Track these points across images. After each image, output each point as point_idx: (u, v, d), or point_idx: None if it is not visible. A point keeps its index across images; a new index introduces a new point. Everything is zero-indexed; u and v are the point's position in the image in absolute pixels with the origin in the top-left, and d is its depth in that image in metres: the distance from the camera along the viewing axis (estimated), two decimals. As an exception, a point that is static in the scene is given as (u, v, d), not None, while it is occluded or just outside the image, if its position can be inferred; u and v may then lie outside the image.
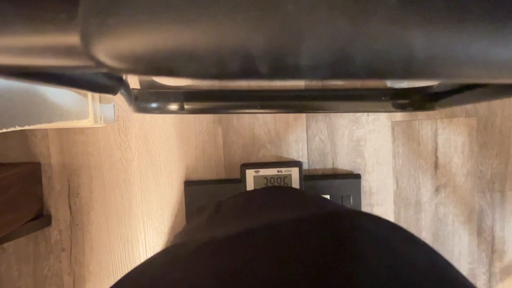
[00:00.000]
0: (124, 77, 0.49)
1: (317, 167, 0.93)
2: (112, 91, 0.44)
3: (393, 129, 0.93)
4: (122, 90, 0.51)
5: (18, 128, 0.55)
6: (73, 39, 0.24)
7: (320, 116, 0.92)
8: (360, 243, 0.31)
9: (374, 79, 0.26)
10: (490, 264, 0.97)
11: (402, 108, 0.88)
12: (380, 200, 0.94)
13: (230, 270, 0.29)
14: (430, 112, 0.92)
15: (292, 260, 0.29)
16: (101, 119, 0.81)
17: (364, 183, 0.93)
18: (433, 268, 0.31)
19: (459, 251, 0.95)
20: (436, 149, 0.93)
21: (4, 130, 0.51)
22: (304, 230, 0.34)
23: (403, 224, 0.94)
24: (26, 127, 0.56)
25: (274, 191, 0.72)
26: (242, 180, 0.90)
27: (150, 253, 0.94)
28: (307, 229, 0.34)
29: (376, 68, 0.26)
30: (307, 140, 0.92)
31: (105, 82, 0.42)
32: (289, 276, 0.27)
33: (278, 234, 0.34)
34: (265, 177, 0.90)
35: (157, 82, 0.89)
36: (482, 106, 0.92)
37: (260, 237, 0.33)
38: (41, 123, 0.61)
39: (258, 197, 0.64)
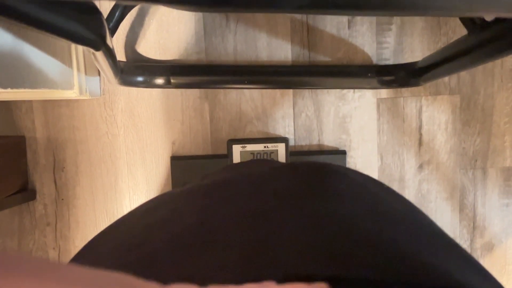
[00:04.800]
0: (107, 36, 0.49)
1: (303, 143, 0.94)
2: (94, 46, 0.44)
3: (378, 106, 0.94)
4: (106, 51, 0.51)
5: (0, 90, 0.55)
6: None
7: (306, 93, 0.92)
8: (340, 184, 0.32)
9: (354, 12, 0.27)
10: (472, 240, 0.99)
11: (387, 84, 0.89)
12: (365, 176, 0.95)
13: (213, 205, 0.30)
14: (415, 90, 0.93)
15: (273, 195, 0.30)
16: (86, 91, 0.81)
17: (349, 159, 0.95)
18: (407, 212, 0.32)
19: (441, 227, 0.97)
20: (420, 126, 0.95)
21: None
22: (287, 173, 0.34)
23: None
24: (9, 90, 0.56)
25: (260, 161, 0.73)
26: (228, 155, 0.91)
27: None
28: (289, 172, 0.34)
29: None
30: (294, 117, 0.93)
31: (86, 35, 0.42)
32: (267, 208, 0.28)
33: (259, 178, 0.34)
34: (252, 153, 0.91)
35: (143, 56, 0.89)
36: (466, 84, 0.94)
37: (242, 181, 0.34)
38: (24, 87, 0.60)
39: (243, 163, 0.65)
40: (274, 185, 0.32)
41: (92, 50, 0.45)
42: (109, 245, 0.29)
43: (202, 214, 0.29)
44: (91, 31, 0.42)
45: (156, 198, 0.37)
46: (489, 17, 0.52)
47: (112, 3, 0.68)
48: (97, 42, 0.44)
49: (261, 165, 0.60)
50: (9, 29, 0.58)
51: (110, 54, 0.56)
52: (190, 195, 0.34)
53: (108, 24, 0.67)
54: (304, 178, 0.33)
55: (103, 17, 0.46)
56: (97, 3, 0.45)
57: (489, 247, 0.99)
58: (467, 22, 0.56)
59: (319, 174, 0.34)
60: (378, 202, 0.31)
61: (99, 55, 0.50)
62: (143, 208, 0.35)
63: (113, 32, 0.68)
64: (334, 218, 0.26)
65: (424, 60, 0.80)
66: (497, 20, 0.51)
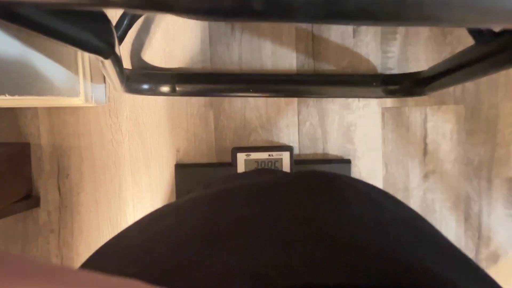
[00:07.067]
0: (115, 44, 0.50)
1: (308, 152, 0.94)
2: (103, 54, 0.44)
3: (383, 115, 0.94)
4: (114, 59, 0.51)
5: (8, 96, 0.55)
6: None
7: (311, 101, 0.92)
8: (345, 193, 0.32)
9: (366, 22, 0.27)
10: (477, 251, 0.98)
11: (392, 93, 0.89)
12: (369, 185, 0.95)
13: (218, 212, 0.29)
14: (420, 99, 0.93)
15: (280, 201, 0.30)
16: (92, 99, 0.81)
17: (354, 168, 0.94)
18: (411, 220, 0.32)
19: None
20: (425, 136, 0.94)
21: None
22: (293, 181, 0.34)
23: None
24: (17, 97, 0.56)
25: (264, 171, 0.73)
26: (233, 163, 0.90)
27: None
28: (296, 180, 0.34)
29: (368, 9, 0.27)
30: (298, 125, 0.93)
31: (97, 43, 0.42)
32: (273, 214, 0.28)
33: (265, 185, 0.34)
34: (256, 161, 0.91)
35: (149, 63, 0.89)
36: (470, 94, 0.94)
37: (248, 188, 0.34)
38: (31, 94, 0.60)
39: (247, 173, 0.65)
40: (281, 192, 0.32)
41: (101, 58, 0.45)
42: (115, 255, 0.29)
43: (206, 221, 0.28)
44: (101, 39, 0.43)
45: (161, 208, 0.37)
46: (497, 28, 0.52)
47: (120, 12, 0.68)
48: (107, 50, 0.45)
49: (265, 174, 0.60)
50: (16, 36, 0.58)
51: (117, 62, 0.56)
52: (194, 203, 0.34)
53: (116, 32, 0.67)
54: (311, 186, 0.33)
55: (113, 25, 0.46)
56: (106, 12, 0.45)
57: (495, 258, 0.98)
58: (474, 32, 0.56)
59: (325, 183, 0.34)
60: (382, 212, 0.31)
61: (108, 63, 0.50)
62: (148, 217, 0.35)
63: (121, 40, 0.68)
64: (340, 227, 0.26)
65: (429, 69, 0.80)
66: (505, 31, 0.51)
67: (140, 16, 0.69)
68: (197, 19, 0.28)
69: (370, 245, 0.24)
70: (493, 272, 0.98)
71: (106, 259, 0.29)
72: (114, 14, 0.78)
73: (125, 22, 0.67)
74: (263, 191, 0.33)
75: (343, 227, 0.26)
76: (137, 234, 0.32)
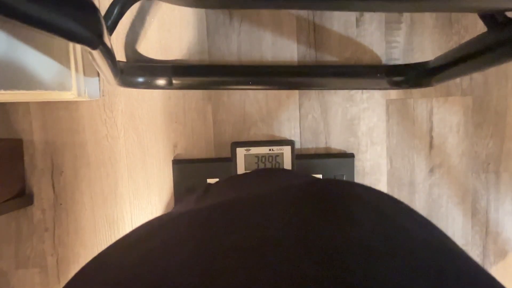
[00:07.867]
0: (104, 34, 0.46)
1: (310, 146, 0.91)
2: (90, 44, 0.41)
3: (387, 107, 0.90)
4: (103, 50, 0.48)
5: (-7, 91, 0.52)
6: None
7: (313, 94, 0.89)
8: (352, 208, 0.29)
9: (374, 7, 0.24)
10: (484, 246, 0.95)
11: (397, 85, 0.86)
12: (373, 180, 0.92)
13: (210, 238, 0.26)
14: (426, 91, 0.90)
15: (278, 223, 0.27)
16: (85, 93, 0.78)
17: (358, 162, 0.91)
18: (430, 238, 0.28)
19: (453, 232, 0.94)
20: (431, 129, 0.91)
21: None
22: (293, 196, 0.31)
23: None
24: (2, 91, 0.53)
25: (266, 172, 0.70)
26: (232, 158, 0.88)
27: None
28: (296, 195, 0.31)
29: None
30: (300, 118, 0.90)
31: (82, 32, 0.39)
32: (276, 238, 0.25)
33: (265, 201, 0.31)
34: (256, 156, 0.88)
35: (144, 56, 0.86)
36: (478, 85, 0.90)
37: (245, 205, 0.31)
38: (19, 89, 0.57)
39: (248, 177, 0.62)
40: (281, 210, 0.29)
41: (88, 49, 0.42)
42: (99, 279, 0.26)
43: (197, 249, 0.25)
44: (87, 28, 0.39)
45: (150, 224, 0.34)
46: (512, 13, 0.49)
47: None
48: (94, 40, 0.41)
49: (267, 179, 0.57)
50: (1, 27, 0.55)
51: (108, 53, 0.53)
52: (186, 223, 0.31)
53: (106, 22, 0.64)
54: (315, 202, 0.30)
55: (100, 13, 0.43)
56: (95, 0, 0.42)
57: (502, 254, 0.95)
58: (487, 19, 0.53)
59: (331, 197, 0.31)
60: (396, 229, 0.28)
61: (97, 54, 0.47)
62: (135, 235, 0.32)
63: (111, 30, 0.65)
64: (348, 250, 0.23)
65: (437, 59, 0.76)
66: (521, 17, 0.48)
67: (131, 4, 0.66)
68: (190, 6, 0.24)
69: (383, 275, 0.21)
70: (501, 268, 0.96)
71: (90, 283, 0.26)
72: (106, 4, 0.75)
73: (116, 10, 0.64)
74: (264, 207, 0.30)
75: (352, 251, 0.23)
76: (122, 255, 0.29)
